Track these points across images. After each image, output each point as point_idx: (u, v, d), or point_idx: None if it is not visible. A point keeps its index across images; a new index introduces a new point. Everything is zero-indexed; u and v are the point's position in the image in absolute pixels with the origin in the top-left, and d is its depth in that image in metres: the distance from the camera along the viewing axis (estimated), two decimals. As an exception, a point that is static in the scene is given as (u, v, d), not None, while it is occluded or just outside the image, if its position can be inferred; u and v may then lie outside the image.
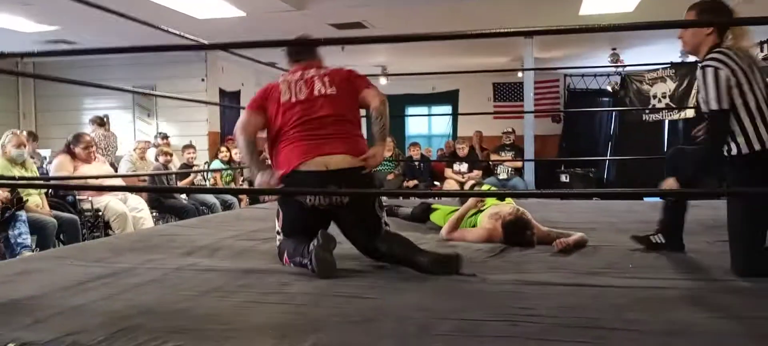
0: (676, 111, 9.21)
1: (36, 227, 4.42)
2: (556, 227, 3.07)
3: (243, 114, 2.67)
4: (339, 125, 2.52)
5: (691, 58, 9.77)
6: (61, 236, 4.72)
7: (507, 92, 11.54)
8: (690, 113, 9.10)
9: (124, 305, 1.91)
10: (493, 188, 3.90)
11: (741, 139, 2.21)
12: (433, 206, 3.58)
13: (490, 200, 3.25)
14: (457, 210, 3.25)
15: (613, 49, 9.47)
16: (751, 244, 2.18)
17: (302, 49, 2.75)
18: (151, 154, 7.24)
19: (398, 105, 11.09)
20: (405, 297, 1.99)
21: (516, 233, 2.85)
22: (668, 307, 1.82)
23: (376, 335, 1.62)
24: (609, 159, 11.11)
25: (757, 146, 2.19)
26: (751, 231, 2.19)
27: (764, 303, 1.85)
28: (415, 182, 8.16)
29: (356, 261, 2.50)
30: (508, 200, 3.27)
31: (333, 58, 10.06)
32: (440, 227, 3.26)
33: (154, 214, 5.95)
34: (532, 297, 1.96)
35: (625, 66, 9.63)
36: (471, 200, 3.24)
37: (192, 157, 7.21)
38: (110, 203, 5.22)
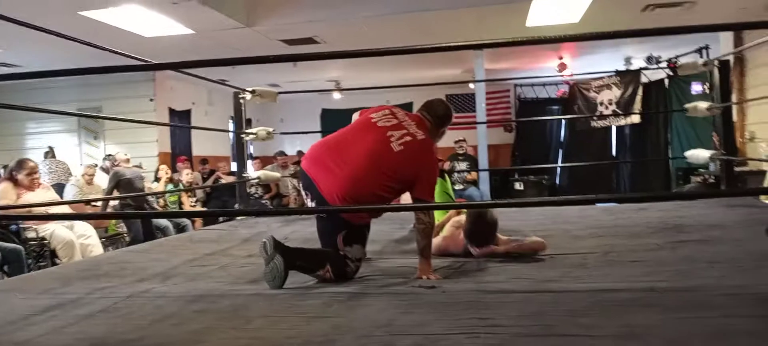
0: (622, 117, 9.51)
1: (-23, 259, 4.23)
2: (515, 235, 3.10)
3: None
4: (366, 176, 2.49)
5: (635, 66, 10.15)
6: (5, 268, 4.53)
7: (460, 103, 11.70)
8: (636, 119, 9.43)
9: (74, 338, 1.83)
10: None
11: None
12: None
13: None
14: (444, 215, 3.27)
15: (560, 58, 9.73)
16: None
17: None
18: (99, 179, 7.03)
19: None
20: (365, 313, 1.98)
21: (480, 226, 2.79)
22: (623, 311, 1.86)
23: (336, 355, 1.59)
24: (560, 166, 11.39)
25: None
26: None
27: (717, 303, 1.90)
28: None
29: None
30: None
31: (285, 73, 9.99)
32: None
33: (103, 239, 5.77)
34: (490, 307, 1.97)
35: (572, 75, 9.91)
36: (451, 212, 3.25)
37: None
38: (56, 231, 5.03)
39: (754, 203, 4.26)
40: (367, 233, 2.63)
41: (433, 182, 2.69)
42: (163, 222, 6.49)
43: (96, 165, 7.77)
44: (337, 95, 11.35)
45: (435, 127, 2.77)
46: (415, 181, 2.57)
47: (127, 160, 6.94)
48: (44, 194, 5.18)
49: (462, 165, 8.95)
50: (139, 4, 5.58)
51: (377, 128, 2.60)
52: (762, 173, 6.17)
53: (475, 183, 8.72)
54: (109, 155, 8.34)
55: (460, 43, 2.32)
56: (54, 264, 4.81)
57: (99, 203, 6.34)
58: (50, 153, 8.53)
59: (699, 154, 4.64)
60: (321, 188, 2.53)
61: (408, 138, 2.57)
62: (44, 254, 4.99)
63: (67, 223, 5.18)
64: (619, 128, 10.43)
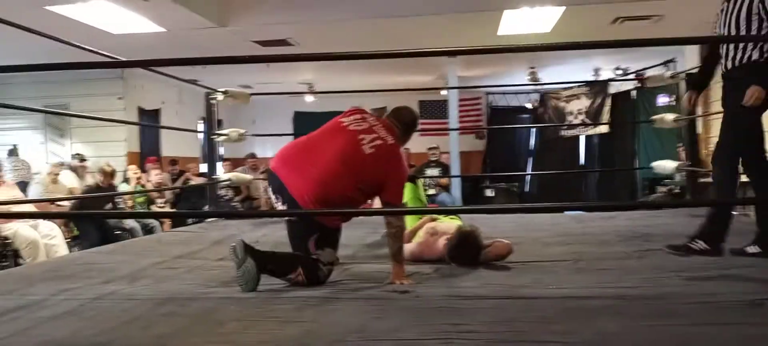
0: (591, 126, 9.67)
1: (-65, 259, 4.09)
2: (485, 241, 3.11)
3: None
4: (336, 178, 2.48)
5: (604, 76, 10.32)
6: (-36, 268, 4.39)
7: (433, 110, 11.75)
8: (604, 129, 9.60)
9: (38, 340, 1.78)
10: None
11: None
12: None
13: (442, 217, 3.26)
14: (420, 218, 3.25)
15: (532, 67, 9.85)
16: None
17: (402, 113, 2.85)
18: (65, 177, 6.87)
19: (325, 122, 11.05)
20: (338, 318, 1.97)
21: (465, 250, 2.79)
22: (595, 317, 1.88)
23: (309, 361, 1.58)
24: (530, 174, 11.54)
25: None
26: None
27: (684, 311, 1.94)
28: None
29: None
30: (445, 219, 3.28)
31: (257, 74, 9.88)
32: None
33: (69, 240, 5.63)
34: (464, 312, 1.98)
35: (543, 84, 10.05)
36: (426, 216, 3.25)
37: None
38: (19, 230, 4.90)
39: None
40: (339, 237, 2.62)
41: (401, 185, 2.70)
42: (130, 223, 6.36)
43: (62, 163, 7.60)
44: (309, 98, 11.29)
45: (402, 134, 2.79)
46: (384, 184, 2.58)
47: (112, 176, 6.62)
48: (8, 192, 5.03)
49: (434, 172, 8.98)
50: (108, 0, 5.47)
51: (348, 131, 2.61)
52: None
53: (446, 189, 8.76)
54: (77, 154, 8.16)
55: (432, 50, 2.33)
56: (17, 265, 4.67)
57: (64, 203, 6.17)
58: (14, 151, 8.33)
59: (665, 165, 4.74)
60: (291, 190, 2.51)
61: (378, 141, 2.59)
62: (7, 254, 4.85)
63: (31, 222, 5.04)
64: (588, 138, 10.61)
